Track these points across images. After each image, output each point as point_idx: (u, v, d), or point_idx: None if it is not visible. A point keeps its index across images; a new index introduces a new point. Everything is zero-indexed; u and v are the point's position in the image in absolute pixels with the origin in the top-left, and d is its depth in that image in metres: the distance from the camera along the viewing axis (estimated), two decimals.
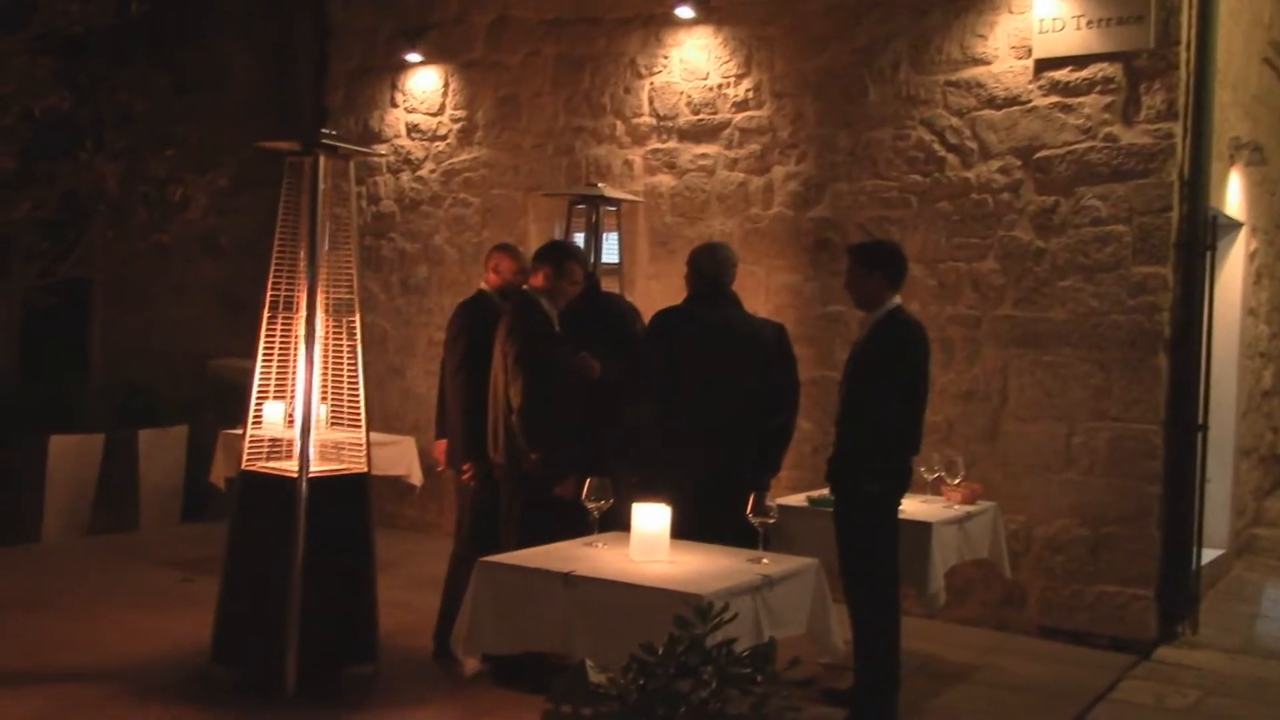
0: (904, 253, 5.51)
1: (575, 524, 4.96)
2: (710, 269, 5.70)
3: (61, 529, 8.59)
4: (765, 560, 4.61)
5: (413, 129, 9.65)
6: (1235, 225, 8.51)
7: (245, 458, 5.55)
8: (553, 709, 3.78)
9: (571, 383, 5.61)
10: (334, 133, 5.55)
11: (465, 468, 5.97)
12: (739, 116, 8.12)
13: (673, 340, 5.58)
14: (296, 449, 5.40)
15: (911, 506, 5.96)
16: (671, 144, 8.39)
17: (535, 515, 5.53)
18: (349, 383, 5.54)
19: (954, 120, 7.36)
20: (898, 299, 5.30)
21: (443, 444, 6.34)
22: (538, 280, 5.71)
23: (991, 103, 7.25)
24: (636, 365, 5.65)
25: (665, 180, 8.41)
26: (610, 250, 7.44)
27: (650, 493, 4.94)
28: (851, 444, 5.23)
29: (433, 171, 9.54)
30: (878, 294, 5.26)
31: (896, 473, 5.22)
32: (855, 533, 5.22)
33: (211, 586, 5.70)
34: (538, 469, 5.49)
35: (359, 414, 5.54)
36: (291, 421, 5.56)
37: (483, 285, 6.29)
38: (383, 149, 9.70)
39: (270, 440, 5.62)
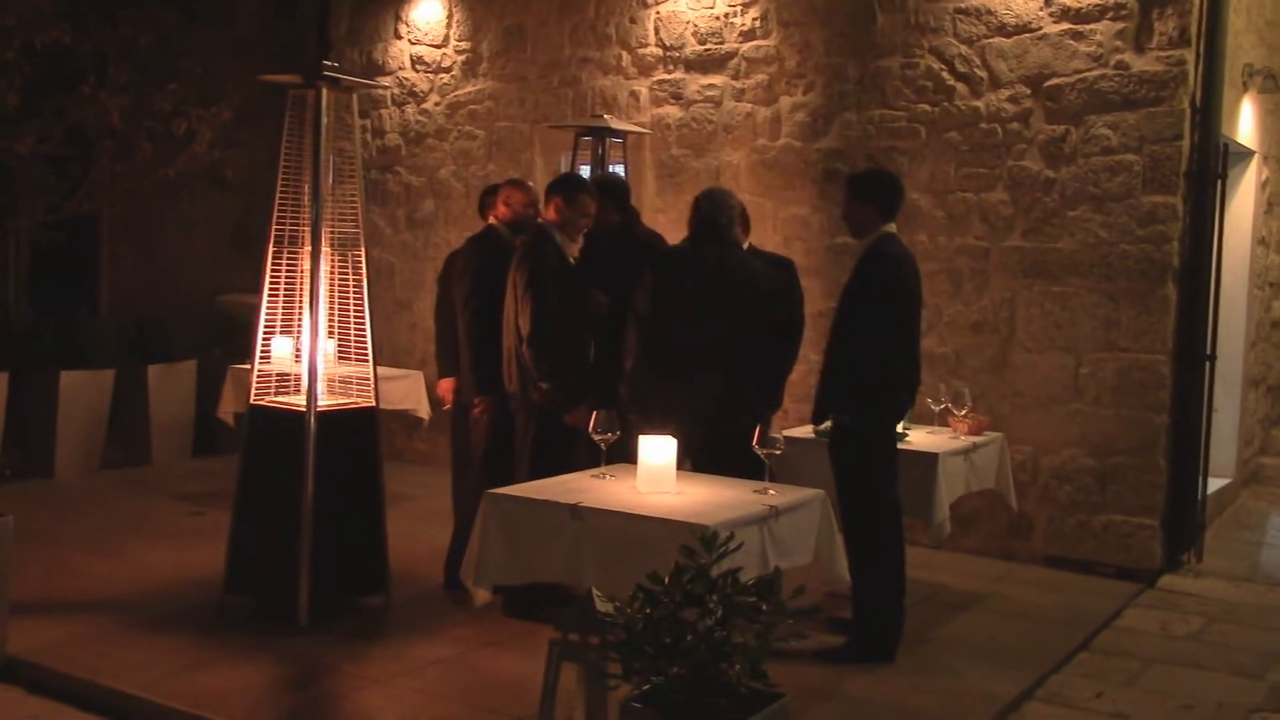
0: (899, 182, 5.42)
1: (589, 453, 4.98)
2: (707, 211, 5.68)
3: (74, 464, 8.66)
4: (771, 491, 4.64)
5: (417, 61, 9.57)
6: (1247, 153, 8.44)
7: (253, 393, 5.58)
8: (560, 638, 3.84)
9: (580, 314, 5.62)
10: (337, 65, 5.51)
11: (477, 402, 5.98)
12: (746, 46, 8.04)
13: (665, 279, 5.58)
14: (304, 384, 5.42)
15: (918, 437, 5.99)
16: (678, 75, 8.31)
17: (549, 445, 5.56)
18: (355, 317, 5.55)
19: (963, 48, 7.27)
20: (890, 228, 5.24)
21: (447, 382, 6.36)
22: (550, 213, 5.70)
23: (1001, 30, 7.16)
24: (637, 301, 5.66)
25: (672, 111, 8.34)
26: None
27: (650, 428, 4.98)
28: (828, 375, 5.24)
29: (438, 104, 9.48)
30: (869, 224, 5.23)
31: (874, 404, 5.18)
32: (842, 463, 5.24)
33: (223, 520, 5.75)
34: (548, 398, 5.51)
35: (366, 349, 5.56)
36: (299, 356, 5.58)
37: (491, 219, 6.26)
38: (387, 81, 9.63)
39: (278, 375, 5.64)
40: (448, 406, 6.53)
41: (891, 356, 5.16)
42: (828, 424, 5.56)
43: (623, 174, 7.37)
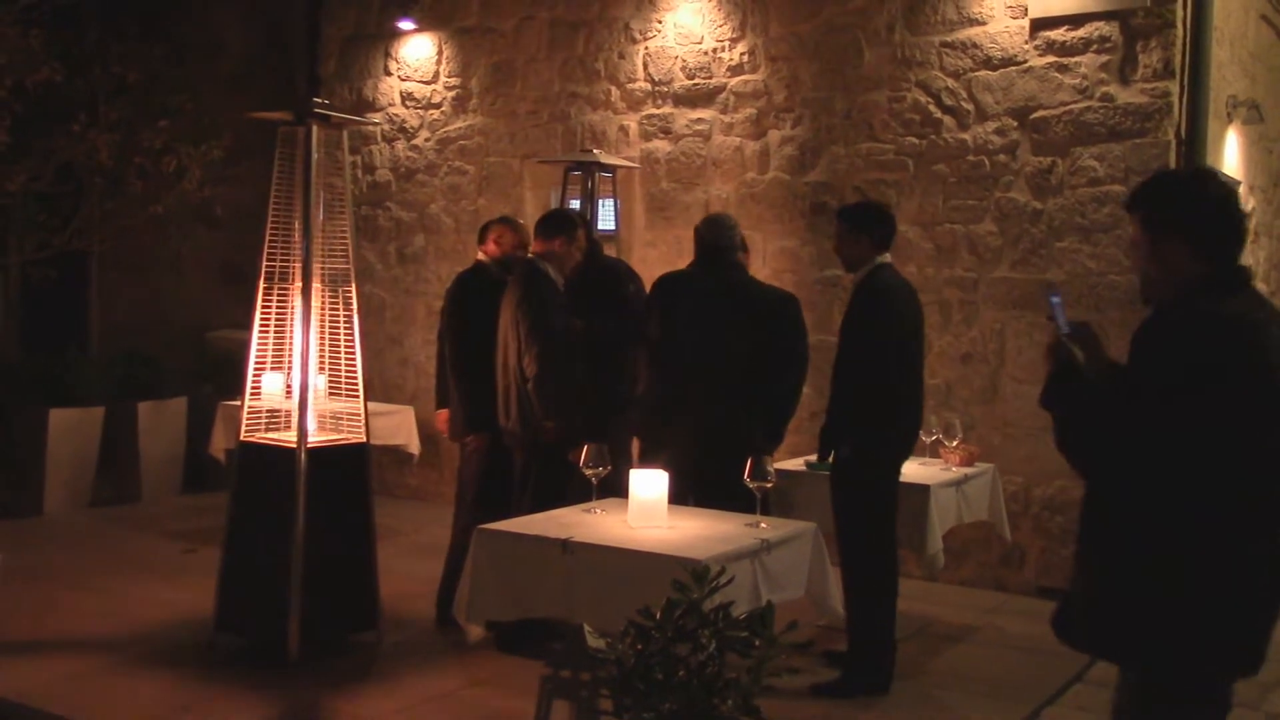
0: (889, 212, 5.46)
1: (588, 489, 4.98)
2: (710, 236, 5.67)
3: (63, 502, 8.62)
4: (763, 524, 4.63)
5: (407, 97, 9.61)
6: (1232, 184, 8.48)
7: (244, 429, 5.56)
8: (552, 674, 3.82)
9: (576, 348, 5.62)
10: (327, 102, 5.54)
11: (469, 440, 5.96)
12: (734, 80, 8.09)
13: (667, 304, 5.58)
14: (294, 420, 5.41)
15: (910, 469, 5.97)
16: (667, 109, 8.36)
17: (549, 481, 5.55)
18: (346, 353, 5.55)
19: (950, 82, 7.33)
20: (884, 259, 5.26)
21: (443, 414, 6.37)
22: (552, 248, 5.70)
23: (987, 63, 7.21)
24: (639, 330, 5.67)
25: (661, 146, 8.38)
26: (606, 217, 7.42)
27: (650, 454, 4.96)
28: (831, 409, 5.25)
29: (428, 140, 9.51)
30: (863, 256, 5.25)
31: (873, 437, 5.19)
32: (842, 497, 5.24)
33: (214, 557, 5.72)
34: (554, 436, 5.50)
35: (357, 384, 5.55)
36: (290, 392, 5.57)
37: (480, 256, 6.27)
38: (377, 118, 9.66)
39: (268, 411, 5.63)
40: (445, 433, 6.53)
41: (889, 389, 5.16)
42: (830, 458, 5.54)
43: (613, 208, 7.39)
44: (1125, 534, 2.76)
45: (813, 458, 6.07)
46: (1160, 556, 2.70)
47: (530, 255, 5.85)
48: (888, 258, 5.29)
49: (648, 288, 5.96)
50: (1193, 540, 2.67)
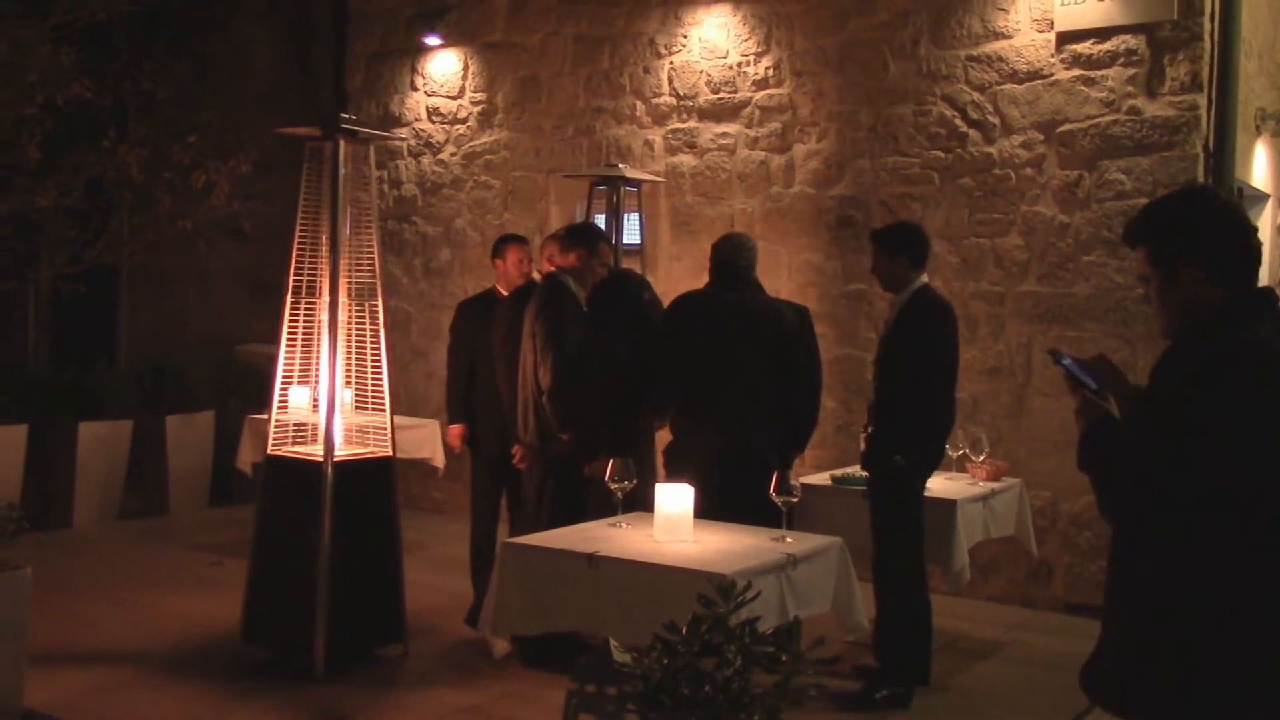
0: (924, 231, 5.50)
1: (606, 503, 4.97)
2: (727, 254, 5.67)
3: (92, 514, 8.68)
4: (789, 539, 4.61)
5: (433, 112, 9.66)
6: (1261, 197, 8.43)
7: (270, 443, 5.59)
8: (578, 688, 3.81)
9: (598, 362, 5.62)
10: (353, 117, 5.57)
11: (515, 450, 5.91)
12: (759, 95, 8.09)
13: (687, 321, 5.59)
14: (321, 434, 5.44)
15: (937, 484, 5.95)
16: (692, 123, 8.37)
17: (565, 495, 5.55)
18: (373, 367, 5.57)
19: (976, 95, 7.31)
20: (924, 278, 5.31)
21: (457, 429, 6.40)
22: (570, 261, 5.70)
23: (1013, 77, 7.19)
24: (654, 347, 5.67)
25: (686, 160, 8.39)
26: (632, 231, 7.43)
27: (673, 471, 4.95)
28: (886, 424, 5.24)
29: (454, 155, 9.55)
30: (903, 276, 5.28)
31: (927, 449, 5.27)
32: (887, 507, 5.24)
33: (241, 569, 5.75)
34: (569, 449, 5.50)
35: (383, 398, 5.57)
36: (316, 406, 5.60)
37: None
38: (403, 133, 9.71)
39: (295, 425, 5.66)
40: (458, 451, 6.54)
41: (943, 402, 5.27)
42: (848, 471, 5.53)
43: (638, 223, 7.40)
44: (1159, 585, 2.58)
45: (839, 471, 6.07)
46: (1193, 607, 2.52)
47: (553, 269, 5.85)
48: (925, 278, 5.32)
49: (665, 303, 5.96)
50: (1226, 591, 2.49)
